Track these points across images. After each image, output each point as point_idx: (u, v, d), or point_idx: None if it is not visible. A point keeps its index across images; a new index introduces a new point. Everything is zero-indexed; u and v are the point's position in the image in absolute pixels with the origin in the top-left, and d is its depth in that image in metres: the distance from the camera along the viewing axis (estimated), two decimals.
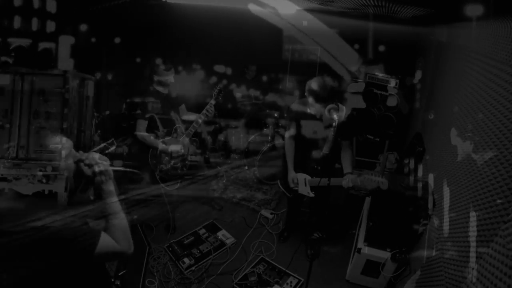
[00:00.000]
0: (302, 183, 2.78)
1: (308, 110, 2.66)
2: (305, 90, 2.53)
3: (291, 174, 2.80)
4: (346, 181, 2.50)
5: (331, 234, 3.32)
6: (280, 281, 2.75)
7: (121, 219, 1.37)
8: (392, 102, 3.41)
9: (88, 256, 1.22)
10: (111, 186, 1.39)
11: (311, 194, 2.76)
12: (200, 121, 3.04)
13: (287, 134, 2.84)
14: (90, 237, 1.25)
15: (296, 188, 2.82)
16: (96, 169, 1.35)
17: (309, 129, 2.72)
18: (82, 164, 1.34)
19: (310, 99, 2.50)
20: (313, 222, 3.30)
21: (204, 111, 3.02)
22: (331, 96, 2.40)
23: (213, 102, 3.02)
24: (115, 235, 1.32)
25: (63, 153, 1.30)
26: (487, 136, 1.64)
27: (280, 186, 3.07)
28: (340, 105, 2.56)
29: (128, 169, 1.54)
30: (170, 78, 3.01)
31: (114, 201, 1.39)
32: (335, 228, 3.44)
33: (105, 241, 1.27)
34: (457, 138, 1.86)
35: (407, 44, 3.92)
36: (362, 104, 3.53)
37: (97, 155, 1.36)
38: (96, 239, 1.24)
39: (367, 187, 2.40)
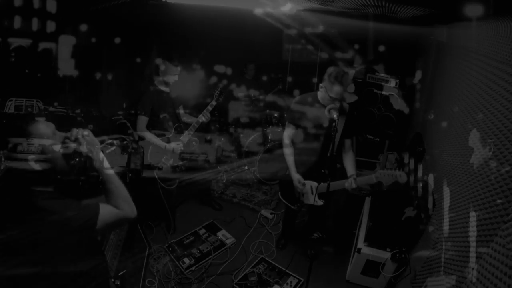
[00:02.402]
0: (309, 191, 2.60)
1: (310, 110, 2.51)
2: (328, 79, 2.35)
3: (295, 176, 2.59)
4: (349, 183, 2.39)
5: (331, 234, 3.32)
6: (280, 281, 2.75)
7: (117, 185, 1.37)
8: (394, 102, 3.41)
9: (91, 230, 1.22)
10: (100, 154, 1.39)
11: (319, 202, 2.55)
12: (200, 121, 3.04)
13: (284, 135, 2.69)
14: (88, 211, 1.25)
15: (303, 192, 2.63)
16: (83, 142, 1.33)
17: (313, 130, 2.54)
18: (68, 141, 1.32)
19: (336, 86, 2.31)
20: (311, 229, 3.29)
21: (204, 111, 3.03)
22: None
23: (213, 103, 3.02)
24: (115, 202, 1.32)
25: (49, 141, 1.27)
26: (487, 136, 1.64)
27: (282, 199, 2.87)
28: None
29: (113, 140, 1.50)
30: (176, 76, 2.99)
31: (106, 168, 1.39)
32: (333, 229, 3.42)
33: (105, 211, 1.27)
34: (476, 142, 1.81)
35: (407, 44, 3.91)
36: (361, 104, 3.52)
37: (76, 129, 1.35)
38: (97, 210, 1.25)
39: (384, 183, 2.26)
